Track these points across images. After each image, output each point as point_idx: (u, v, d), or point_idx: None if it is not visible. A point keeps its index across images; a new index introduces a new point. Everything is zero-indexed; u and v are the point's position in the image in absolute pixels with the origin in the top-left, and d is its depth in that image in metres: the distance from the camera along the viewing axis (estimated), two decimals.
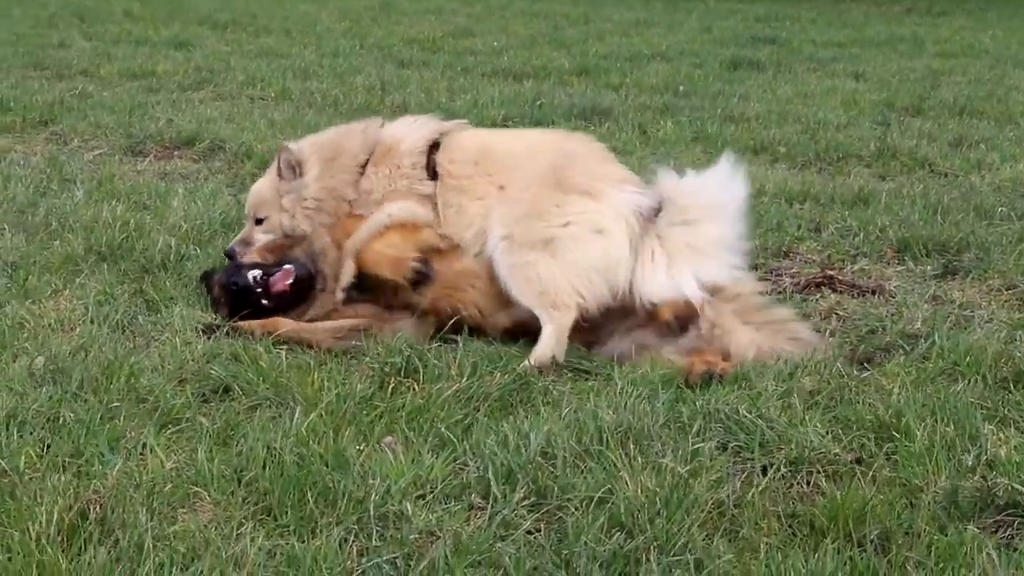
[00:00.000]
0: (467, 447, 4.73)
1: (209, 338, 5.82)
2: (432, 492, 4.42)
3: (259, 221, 6.63)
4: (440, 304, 6.13)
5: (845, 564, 3.98)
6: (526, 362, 5.66)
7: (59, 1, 22.68)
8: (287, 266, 6.27)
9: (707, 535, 4.18)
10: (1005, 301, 6.73)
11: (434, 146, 6.43)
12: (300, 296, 6.23)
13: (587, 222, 5.92)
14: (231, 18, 20.49)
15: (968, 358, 5.63)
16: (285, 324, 6.00)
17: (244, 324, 5.97)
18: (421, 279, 6.15)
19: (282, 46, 17.27)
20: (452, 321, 6.04)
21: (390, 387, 5.33)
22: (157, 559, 3.89)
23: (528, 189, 6.07)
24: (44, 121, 11.29)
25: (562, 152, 6.20)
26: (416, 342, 5.87)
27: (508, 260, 5.97)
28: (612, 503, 4.30)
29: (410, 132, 6.58)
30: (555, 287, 5.86)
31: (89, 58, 15.34)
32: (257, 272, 6.27)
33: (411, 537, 4.10)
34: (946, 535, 4.16)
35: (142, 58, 15.43)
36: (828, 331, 6.23)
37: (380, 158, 6.50)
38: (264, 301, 6.19)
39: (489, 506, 4.33)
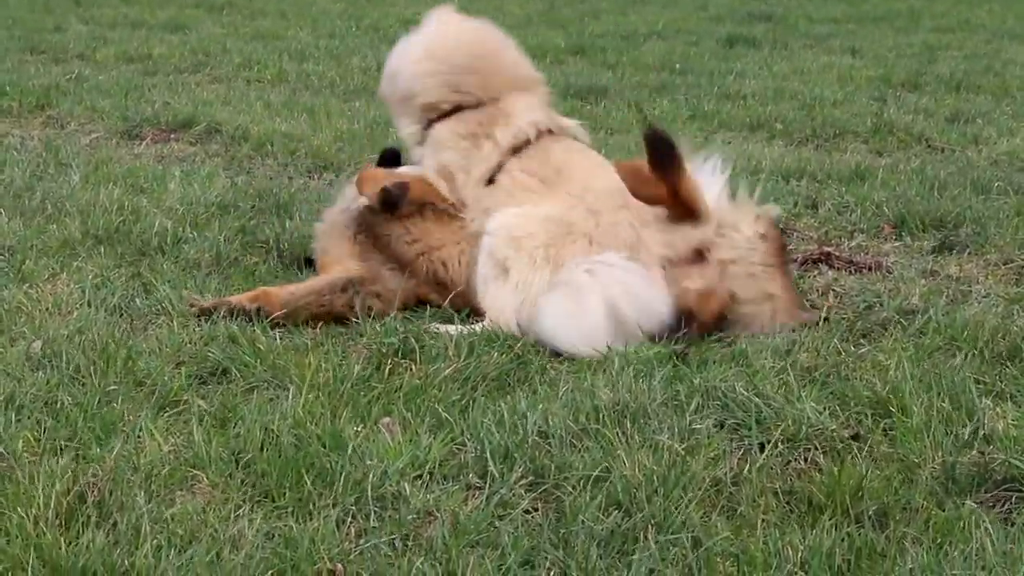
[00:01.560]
0: (464, 427, 4.73)
1: (207, 321, 5.80)
2: (430, 473, 4.42)
3: None
4: (419, 262, 6.24)
5: (843, 540, 3.98)
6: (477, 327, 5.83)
7: None
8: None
9: (704, 513, 4.18)
10: (1002, 276, 6.73)
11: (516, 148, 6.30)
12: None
13: (539, 287, 5.86)
14: (227, 0, 20.43)
15: (965, 333, 5.62)
16: (274, 294, 5.99)
17: (235, 299, 5.96)
18: (389, 199, 6.24)
19: (278, 28, 17.23)
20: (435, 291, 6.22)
21: (387, 368, 5.32)
22: (155, 541, 3.89)
23: (539, 218, 5.99)
24: (40, 105, 11.25)
25: (591, 211, 6.00)
26: (391, 304, 6.06)
27: (480, 256, 6.01)
28: (609, 482, 4.30)
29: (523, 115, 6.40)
30: (500, 308, 5.88)
31: (85, 42, 15.29)
32: None
33: (409, 518, 4.10)
34: (944, 510, 4.17)
35: (138, 41, 15.38)
36: (826, 307, 6.24)
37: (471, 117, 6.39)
38: None
39: (487, 486, 4.33)
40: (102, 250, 6.83)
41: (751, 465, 4.48)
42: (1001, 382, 5.17)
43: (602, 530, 4.02)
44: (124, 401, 4.91)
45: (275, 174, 8.95)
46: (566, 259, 5.85)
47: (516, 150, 6.25)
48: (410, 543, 3.99)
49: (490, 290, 5.95)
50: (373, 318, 5.95)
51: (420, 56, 6.57)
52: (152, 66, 13.85)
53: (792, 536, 3.99)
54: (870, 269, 6.82)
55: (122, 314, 5.98)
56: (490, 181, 6.25)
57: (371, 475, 4.30)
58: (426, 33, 6.71)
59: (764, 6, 20.77)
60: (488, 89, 6.41)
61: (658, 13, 19.67)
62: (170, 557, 3.82)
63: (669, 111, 11.24)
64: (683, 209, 6.00)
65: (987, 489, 4.35)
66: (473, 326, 5.84)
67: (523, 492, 4.30)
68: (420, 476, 4.40)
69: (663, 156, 5.95)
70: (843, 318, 6.06)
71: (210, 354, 5.40)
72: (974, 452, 4.54)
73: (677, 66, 14.02)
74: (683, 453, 4.49)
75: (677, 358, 5.47)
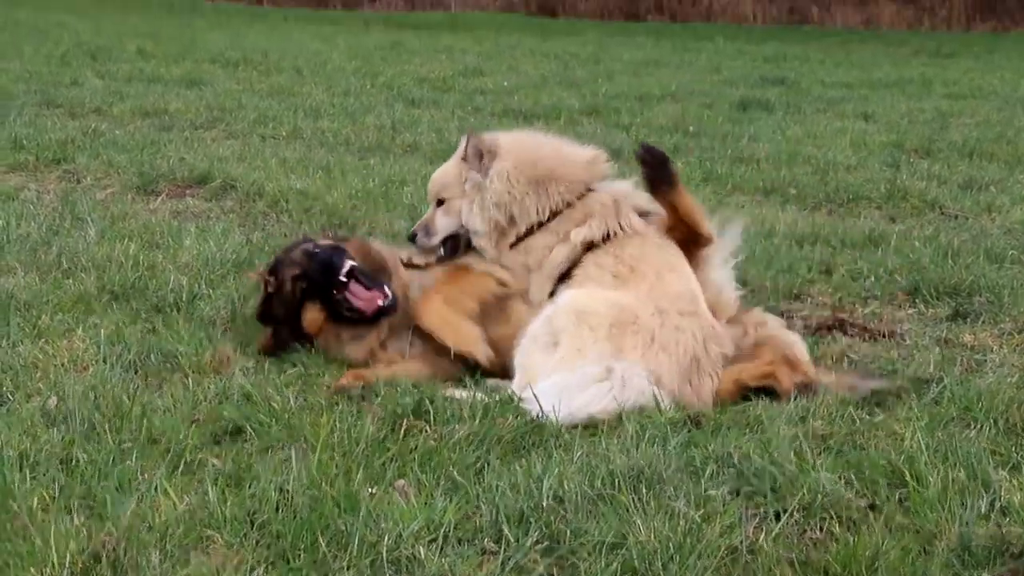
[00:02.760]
0: (480, 491, 4.71)
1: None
2: (445, 536, 4.40)
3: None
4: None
5: None
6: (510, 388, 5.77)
7: (72, 39, 22.79)
8: (387, 290, 6.23)
9: None
10: (1017, 345, 6.71)
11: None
12: (370, 321, 6.24)
13: (590, 359, 5.76)
14: (242, 57, 20.58)
15: (980, 403, 5.60)
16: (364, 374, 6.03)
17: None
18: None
19: (293, 85, 17.35)
20: None
21: (402, 429, 5.32)
22: None
23: (607, 300, 5.94)
24: (57, 159, 11.33)
25: (659, 310, 5.91)
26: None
27: (537, 320, 5.95)
28: (625, 548, 4.28)
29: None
30: (534, 376, 5.78)
31: (102, 96, 15.41)
32: (354, 267, 6.26)
33: None
34: None
35: (154, 96, 15.50)
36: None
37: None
38: (337, 295, 6.21)
39: (502, 551, 4.32)
40: (118, 306, 6.86)
41: (767, 534, 4.46)
42: (1017, 454, 5.14)
43: None
44: (139, 459, 4.90)
45: (290, 231, 8.97)
46: (626, 347, 5.78)
47: (590, 247, 6.24)
48: None
49: (532, 354, 5.86)
50: None
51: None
52: (168, 121, 13.96)
53: None
54: (884, 336, 6.81)
55: (137, 371, 5.99)
56: (566, 276, 6.22)
57: (386, 538, 4.29)
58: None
59: (777, 70, 20.88)
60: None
61: (672, 75, 19.77)
62: None
63: (683, 174, 11.22)
64: (685, 230, 6.18)
65: (1003, 562, 4.32)
66: (500, 384, 5.84)
67: (538, 557, 4.29)
68: (435, 539, 4.38)
69: (657, 173, 6.10)
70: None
71: (225, 413, 5.41)
72: (991, 524, 4.51)
73: (691, 128, 14.09)
74: (699, 520, 4.47)
75: (691, 424, 5.46)
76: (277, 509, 4.50)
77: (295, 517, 4.42)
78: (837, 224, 9.35)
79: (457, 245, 6.51)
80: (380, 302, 6.19)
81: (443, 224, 6.49)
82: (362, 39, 26.00)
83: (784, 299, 7.42)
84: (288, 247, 6.61)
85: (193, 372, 5.95)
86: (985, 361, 6.42)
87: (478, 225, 6.38)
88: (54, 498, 4.54)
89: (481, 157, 6.36)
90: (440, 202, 6.50)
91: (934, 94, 18.13)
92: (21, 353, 6.05)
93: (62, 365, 5.95)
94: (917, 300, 7.49)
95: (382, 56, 22.05)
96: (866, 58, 24.21)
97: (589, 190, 6.38)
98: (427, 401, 5.54)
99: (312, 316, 6.30)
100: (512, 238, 6.36)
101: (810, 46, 26.77)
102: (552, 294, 6.19)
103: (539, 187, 6.32)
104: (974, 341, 6.77)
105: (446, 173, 6.56)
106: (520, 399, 5.63)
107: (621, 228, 6.24)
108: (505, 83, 17.95)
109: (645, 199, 6.39)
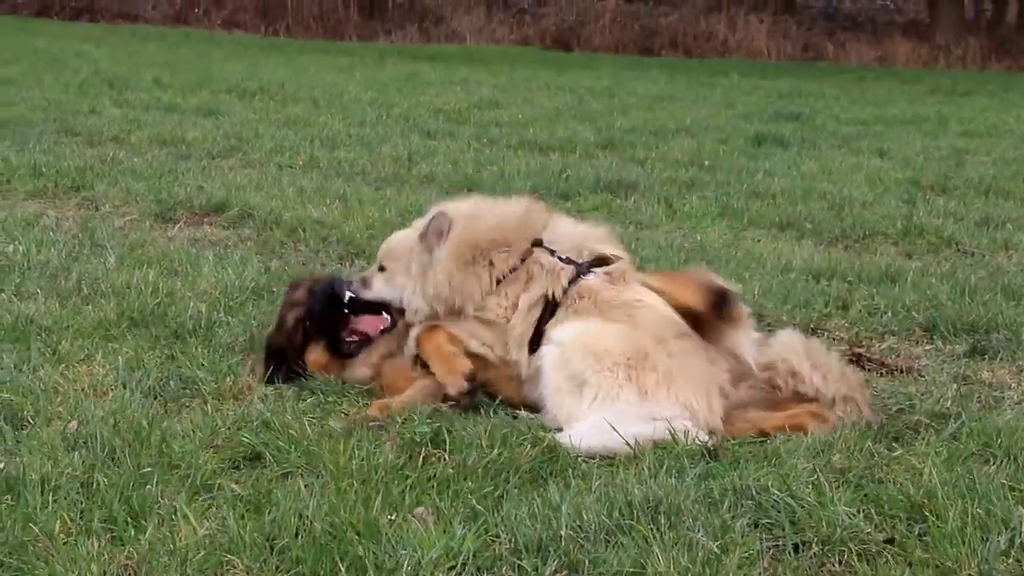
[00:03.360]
0: (498, 519, 4.72)
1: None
2: (463, 564, 4.41)
3: None
4: None
5: None
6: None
7: (90, 68, 22.90)
8: (385, 316, 6.39)
9: None
10: None
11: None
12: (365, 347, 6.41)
13: (624, 405, 5.71)
14: (259, 87, 20.67)
15: (999, 439, 5.59)
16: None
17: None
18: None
19: (309, 115, 17.42)
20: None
21: (420, 457, 5.33)
22: None
23: (612, 333, 5.88)
24: (76, 186, 11.39)
25: (658, 339, 5.86)
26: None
27: (547, 364, 5.86)
28: None
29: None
30: (577, 422, 5.70)
31: (119, 125, 15.48)
32: (353, 298, 6.42)
33: None
34: None
35: (171, 125, 15.56)
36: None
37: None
38: (342, 330, 6.40)
39: None
40: (137, 332, 6.90)
41: (785, 566, 4.47)
42: None
43: None
44: (159, 483, 4.93)
45: (307, 260, 9.02)
46: (649, 385, 5.72)
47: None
48: None
49: (563, 404, 5.78)
50: None
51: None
52: (185, 150, 14.03)
53: None
54: (902, 371, 6.81)
55: (156, 396, 6.02)
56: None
57: (405, 565, 4.31)
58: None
59: (792, 106, 20.92)
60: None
61: (686, 109, 19.82)
62: None
63: (699, 208, 11.30)
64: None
65: None
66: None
67: None
68: (454, 567, 4.39)
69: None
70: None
71: (244, 439, 5.42)
72: (1010, 561, 4.51)
73: (706, 162, 14.12)
74: (717, 551, 4.47)
75: (709, 455, 5.46)
76: (296, 535, 4.52)
77: (314, 543, 4.44)
78: (853, 260, 9.35)
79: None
80: (382, 326, 6.38)
81: (381, 290, 6.38)
82: (377, 71, 26.11)
83: (801, 333, 7.40)
84: (289, 287, 6.75)
85: (212, 398, 5.99)
86: (1003, 398, 6.42)
87: (419, 308, 6.26)
88: (75, 521, 4.57)
89: (438, 237, 6.20)
90: (383, 268, 6.40)
91: (950, 131, 18.14)
92: (42, 378, 6.08)
93: (82, 390, 5.99)
94: (934, 336, 7.49)
95: (398, 87, 22.13)
96: (881, 95, 24.24)
97: (536, 243, 6.27)
98: (445, 430, 5.55)
99: (315, 357, 6.41)
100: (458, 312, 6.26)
101: (825, 82, 26.83)
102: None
103: (478, 266, 6.19)
104: (992, 378, 6.77)
105: (400, 244, 6.41)
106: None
107: (563, 292, 6.11)
108: (520, 116, 17.99)
109: (597, 238, 6.37)
